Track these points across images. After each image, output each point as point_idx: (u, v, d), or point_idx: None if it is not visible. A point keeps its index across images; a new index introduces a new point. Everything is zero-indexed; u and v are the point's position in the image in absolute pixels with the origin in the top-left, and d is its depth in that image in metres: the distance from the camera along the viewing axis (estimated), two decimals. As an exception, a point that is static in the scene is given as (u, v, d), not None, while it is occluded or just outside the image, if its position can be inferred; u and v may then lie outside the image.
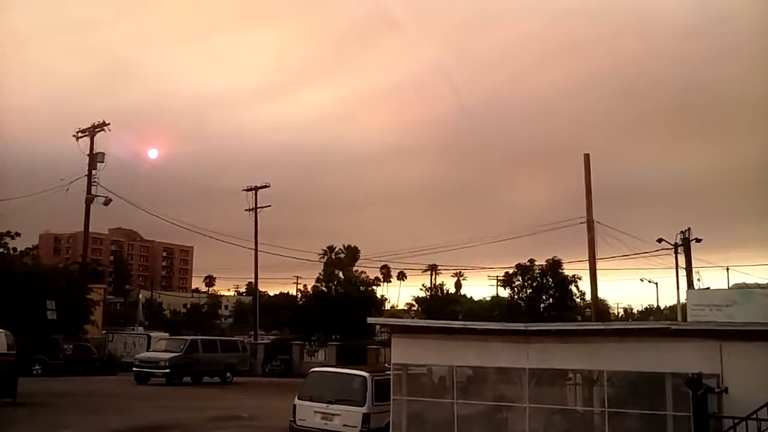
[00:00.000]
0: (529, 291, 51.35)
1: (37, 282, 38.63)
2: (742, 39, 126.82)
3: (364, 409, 14.19)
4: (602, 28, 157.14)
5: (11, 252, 38.81)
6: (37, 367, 33.68)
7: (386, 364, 19.14)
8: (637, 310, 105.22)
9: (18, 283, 36.25)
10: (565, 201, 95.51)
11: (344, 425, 14.34)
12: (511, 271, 52.67)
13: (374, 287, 63.69)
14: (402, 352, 12.43)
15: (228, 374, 36.11)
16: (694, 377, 8.92)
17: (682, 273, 39.49)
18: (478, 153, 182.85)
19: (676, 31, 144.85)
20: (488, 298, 78.64)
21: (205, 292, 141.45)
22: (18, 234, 38.87)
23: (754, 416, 8.57)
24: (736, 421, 8.70)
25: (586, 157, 31.93)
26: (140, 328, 66.38)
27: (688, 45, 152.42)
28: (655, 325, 13.52)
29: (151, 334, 48.78)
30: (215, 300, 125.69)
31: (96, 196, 42.21)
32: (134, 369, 33.57)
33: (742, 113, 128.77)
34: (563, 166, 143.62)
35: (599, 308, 39.07)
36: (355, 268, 62.36)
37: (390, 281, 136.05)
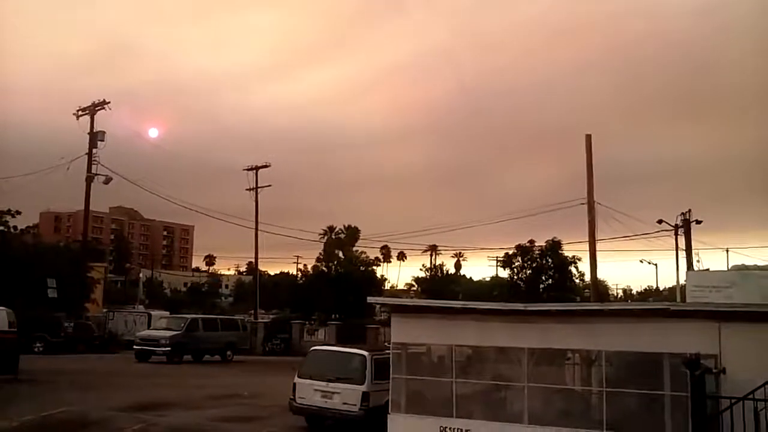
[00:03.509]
0: (528, 272, 51.33)
1: (38, 260, 38.67)
2: (746, 21, 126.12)
3: (363, 388, 14.29)
4: (607, 9, 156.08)
5: (12, 230, 38.75)
6: (38, 344, 33.86)
7: (386, 344, 19.23)
8: (637, 292, 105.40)
9: (18, 262, 36.28)
10: (566, 182, 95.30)
11: (344, 403, 14.45)
12: (510, 251, 52.67)
13: (374, 267, 63.72)
14: (402, 332, 12.48)
15: (228, 353, 36.30)
16: (692, 358, 8.95)
17: (682, 254, 39.46)
18: (480, 134, 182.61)
19: (681, 12, 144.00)
20: (488, 279, 78.85)
21: (205, 271, 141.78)
22: (18, 212, 38.78)
23: (751, 396, 8.61)
24: (733, 401, 8.74)
25: (588, 137, 31.81)
26: (141, 307, 66.67)
27: (693, 27, 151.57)
28: (654, 305, 13.56)
29: (152, 312, 49.02)
30: (216, 279, 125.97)
31: (96, 174, 42.17)
32: (135, 347, 33.72)
33: (744, 96, 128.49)
34: (565, 147, 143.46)
35: (599, 289, 39.12)
36: (355, 248, 62.32)
37: (390, 261, 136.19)
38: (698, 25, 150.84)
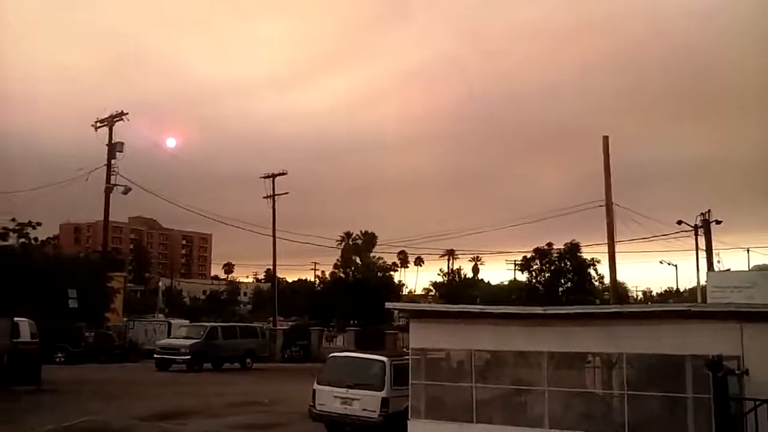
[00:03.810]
0: (547, 275, 51.09)
1: (59, 271, 38.99)
2: (756, 19, 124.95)
3: (383, 394, 14.26)
4: (610, 11, 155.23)
5: (32, 242, 39.13)
6: (59, 354, 34.12)
7: (405, 349, 19.19)
8: (657, 293, 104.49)
9: (39, 273, 36.60)
10: (582, 184, 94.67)
11: (363, 409, 14.42)
12: (529, 255, 52.48)
13: (392, 273, 63.71)
14: (420, 337, 12.46)
15: (248, 360, 36.39)
16: (715, 359, 8.86)
17: (702, 255, 39.12)
18: (493, 139, 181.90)
19: (689, 12, 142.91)
20: (506, 283, 78.44)
21: (224, 279, 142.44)
22: (39, 224, 39.10)
23: (776, 398, 8.51)
24: (757, 403, 8.64)
25: (605, 139, 31.60)
26: (160, 316, 66.97)
27: (695, 28, 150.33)
28: (675, 307, 13.44)
29: (172, 321, 49.24)
30: (234, 287, 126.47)
31: (115, 185, 42.52)
32: (155, 356, 33.90)
33: (759, 94, 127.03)
34: (579, 149, 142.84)
35: (618, 291, 38.83)
36: (372, 254, 62.52)
37: (407, 267, 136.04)
38: (701, 27, 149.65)
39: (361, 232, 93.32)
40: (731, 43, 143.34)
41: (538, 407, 11.13)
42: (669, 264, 62.22)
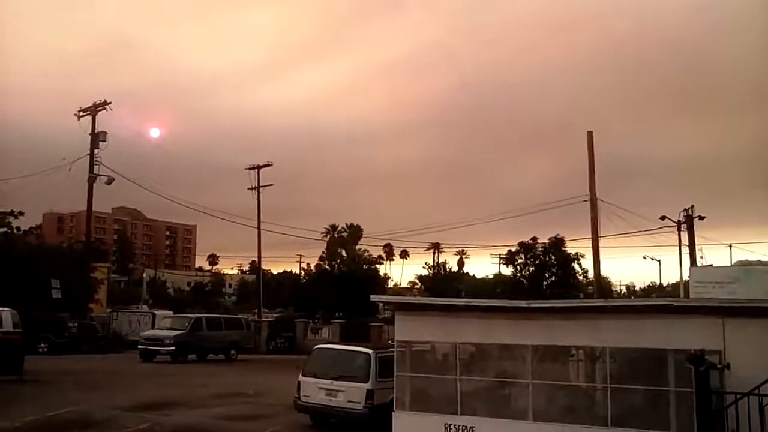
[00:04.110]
0: (531, 269, 51.45)
1: (42, 261, 38.77)
2: (743, 16, 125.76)
3: (368, 386, 14.31)
4: (602, 5, 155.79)
5: (15, 231, 38.86)
6: (42, 345, 33.92)
7: (390, 342, 19.25)
8: (640, 288, 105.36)
9: (22, 263, 36.37)
10: (568, 179, 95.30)
11: (348, 401, 14.48)
12: (513, 249, 52.76)
13: (377, 265, 63.83)
14: (405, 330, 12.49)
15: (232, 351, 36.34)
16: (697, 353, 8.96)
17: (685, 250, 39.43)
18: (480, 131, 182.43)
19: (679, 8, 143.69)
20: (491, 276, 78.84)
21: (208, 271, 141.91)
22: (21, 213, 38.90)
23: (756, 392, 8.61)
24: (738, 396, 8.74)
25: (590, 134, 31.79)
26: (144, 307, 66.68)
27: (687, 24, 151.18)
28: (658, 302, 13.55)
29: (156, 312, 49.06)
30: (219, 278, 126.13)
31: (99, 175, 42.22)
32: (139, 347, 33.78)
33: (744, 91, 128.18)
34: (566, 144, 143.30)
35: (602, 286, 39.12)
36: (358, 247, 62.55)
37: (393, 260, 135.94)
38: (693, 22, 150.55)
39: (346, 224, 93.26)
40: (720, 40, 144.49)
41: (522, 400, 11.20)
42: (652, 259, 62.84)
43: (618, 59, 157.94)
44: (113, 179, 42.68)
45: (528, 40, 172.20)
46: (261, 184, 54.27)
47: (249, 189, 54.46)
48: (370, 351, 15.04)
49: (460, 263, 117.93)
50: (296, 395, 15.35)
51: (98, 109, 43.00)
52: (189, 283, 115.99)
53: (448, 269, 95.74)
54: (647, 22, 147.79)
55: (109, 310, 49.64)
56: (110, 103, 43.23)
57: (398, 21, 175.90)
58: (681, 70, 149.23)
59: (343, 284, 48.68)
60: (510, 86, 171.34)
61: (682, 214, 39.10)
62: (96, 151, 42.26)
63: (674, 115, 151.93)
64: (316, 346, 17.56)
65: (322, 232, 77.99)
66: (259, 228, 53.99)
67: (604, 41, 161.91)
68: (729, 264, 33.22)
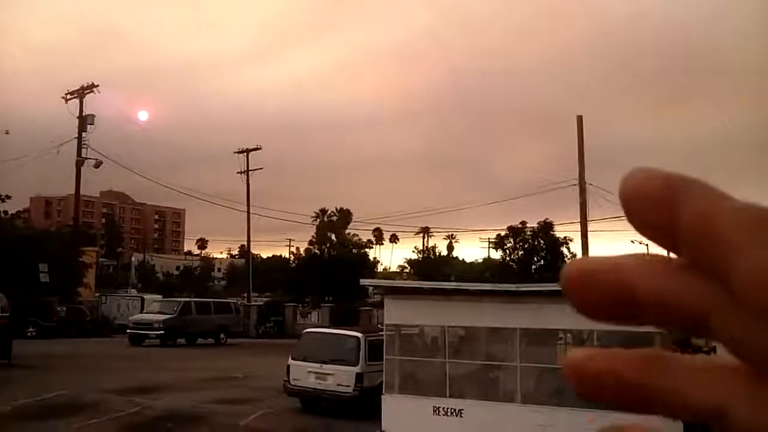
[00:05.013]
0: (520, 253, 51.61)
1: (29, 245, 38.53)
2: (738, 3, 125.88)
3: (357, 369, 14.39)
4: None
5: (2, 215, 38.61)
6: (30, 329, 33.77)
7: (379, 325, 19.33)
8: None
9: (10, 247, 36.14)
10: (559, 164, 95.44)
11: (338, 385, 14.56)
12: (503, 233, 52.91)
13: (367, 250, 63.88)
14: (395, 313, 12.55)
15: (222, 335, 36.37)
16: (683, 336, 9.05)
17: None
18: (471, 117, 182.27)
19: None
20: (480, 261, 79.12)
21: (197, 255, 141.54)
22: (8, 197, 38.57)
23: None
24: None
25: (579, 119, 31.89)
26: (133, 291, 66.53)
27: (684, 8, 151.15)
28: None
29: (145, 296, 48.96)
30: (208, 262, 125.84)
31: (86, 158, 42.01)
32: (128, 331, 33.76)
33: (737, 77, 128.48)
34: (557, 130, 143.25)
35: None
36: (347, 231, 62.52)
37: (382, 244, 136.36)
38: (688, 7, 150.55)
39: (336, 208, 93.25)
40: (713, 27, 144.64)
41: (511, 383, 11.30)
42: (640, 243, 63.06)
43: (609, 46, 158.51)
44: (101, 162, 42.52)
45: (519, 29, 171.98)
46: (250, 168, 54.21)
47: (238, 173, 54.39)
48: (359, 334, 15.11)
49: (450, 247, 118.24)
50: (286, 379, 15.42)
51: (86, 91, 42.70)
52: (178, 267, 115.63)
53: (437, 253, 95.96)
54: (638, 9, 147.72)
55: (97, 294, 49.49)
56: (98, 85, 43.04)
57: (388, 7, 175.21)
58: (673, 57, 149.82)
59: (333, 268, 48.69)
60: (501, 73, 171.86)
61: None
62: (84, 134, 42.02)
63: (664, 100, 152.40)
64: (305, 330, 17.64)
65: (312, 216, 77.86)
66: (248, 212, 53.99)
67: (595, 28, 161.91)
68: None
